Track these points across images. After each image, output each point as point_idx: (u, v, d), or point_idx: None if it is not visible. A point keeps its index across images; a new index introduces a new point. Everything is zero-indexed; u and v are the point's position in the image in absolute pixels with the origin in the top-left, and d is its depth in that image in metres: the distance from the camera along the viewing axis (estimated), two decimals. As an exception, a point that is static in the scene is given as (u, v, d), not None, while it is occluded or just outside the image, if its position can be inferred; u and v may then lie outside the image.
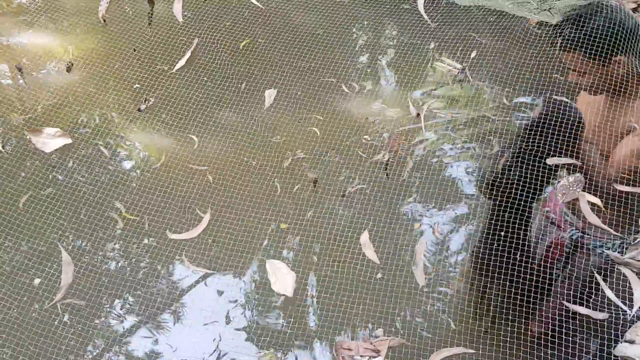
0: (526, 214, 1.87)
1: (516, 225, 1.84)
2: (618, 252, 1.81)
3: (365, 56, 3.23)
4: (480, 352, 1.71)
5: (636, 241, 1.82)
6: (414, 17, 2.91)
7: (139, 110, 2.67)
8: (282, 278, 1.97)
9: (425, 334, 1.88)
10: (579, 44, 1.95)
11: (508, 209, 1.86)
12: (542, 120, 1.89)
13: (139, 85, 2.72)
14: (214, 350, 2.06)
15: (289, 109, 2.75)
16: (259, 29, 3.05)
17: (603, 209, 1.86)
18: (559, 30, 2.02)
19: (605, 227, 1.85)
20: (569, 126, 1.88)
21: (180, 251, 2.23)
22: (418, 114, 2.58)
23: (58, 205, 2.25)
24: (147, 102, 2.66)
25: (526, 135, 1.90)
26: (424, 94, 3.05)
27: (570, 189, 1.90)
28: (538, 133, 1.89)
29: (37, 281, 2.14)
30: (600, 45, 1.93)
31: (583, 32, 1.94)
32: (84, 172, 2.49)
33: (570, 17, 2.00)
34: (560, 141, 1.88)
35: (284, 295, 1.97)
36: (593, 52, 1.94)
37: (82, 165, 2.51)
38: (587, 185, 1.91)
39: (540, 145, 1.88)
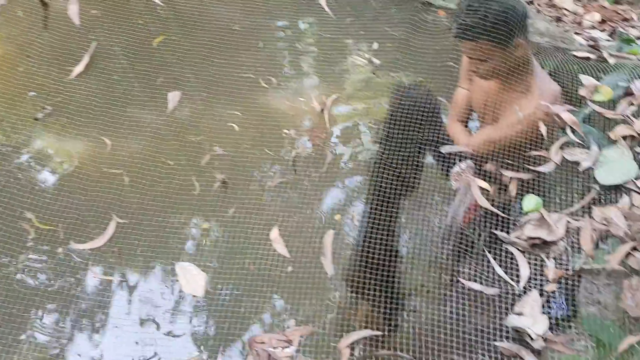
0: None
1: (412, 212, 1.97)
2: (505, 232, 1.96)
3: (283, 51, 3.26)
4: (385, 333, 1.81)
5: (520, 222, 1.97)
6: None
7: (35, 119, 2.59)
8: (192, 279, 1.99)
9: (335, 320, 1.96)
10: (478, 33, 2.03)
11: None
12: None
13: (34, 93, 2.64)
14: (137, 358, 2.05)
15: (206, 105, 2.75)
16: (170, 26, 3.02)
17: (492, 192, 2.01)
18: (456, 21, 2.08)
19: (494, 209, 1.99)
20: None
21: (92, 259, 2.20)
22: (322, 110, 2.66)
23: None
24: (44, 110, 2.59)
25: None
26: (335, 86, 3.11)
27: (462, 174, 2.03)
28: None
29: None
30: (499, 31, 2.02)
31: (480, 20, 2.02)
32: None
33: (464, 6, 2.07)
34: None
35: (195, 296, 1.99)
36: (493, 38, 2.03)
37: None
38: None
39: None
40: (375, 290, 1.88)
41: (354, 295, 1.98)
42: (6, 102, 2.64)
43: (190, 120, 2.72)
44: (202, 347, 2.03)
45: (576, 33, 3.60)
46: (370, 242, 1.95)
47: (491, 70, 2.12)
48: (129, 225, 2.26)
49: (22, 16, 2.92)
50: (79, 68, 2.73)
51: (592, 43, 3.16)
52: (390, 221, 1.99)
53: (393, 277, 1.92)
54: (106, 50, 2.83)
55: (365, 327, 1.85)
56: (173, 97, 2.66)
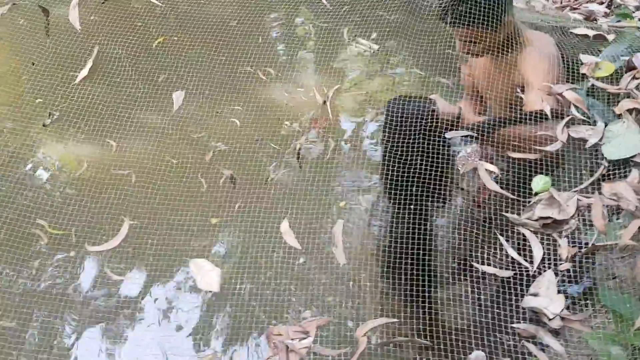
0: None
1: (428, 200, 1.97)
2: (516, 214, 1.96)
3: (280, 43, 3.27)
4: (402, 320, 1.82)
5: (530, 203, 1.97)
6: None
7: (43, 125, 2.61)
8: (207, 275, 2.01)
9: (351, 310, 1.97)
10: (467, 19, 2.13)
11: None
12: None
13: (41, 100, 2.66)
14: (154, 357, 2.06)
15: (207, 102, 2.76)
16: (170, 26, 3.02)
17: (500, 175, 2.01)
18: (444, 8, 2.19)
19: (504, 191, 1.99)
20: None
21: (106, 261, 2.22)
22: (324, 102, 2.67)
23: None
24: (51, 116, 2.61)
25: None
26: (336, 76, 3.12)
27: (469, 159, 2.04)
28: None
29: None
30: (490, 15, 2.14)
31: (471, 7, 2.13)
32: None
33: None
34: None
35: (210, 291, 2.01)
36: (484, 23, 2.13)
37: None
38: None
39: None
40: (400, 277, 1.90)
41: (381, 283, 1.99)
42: (14, 110, 2.66)
43: (193, 118, 2.73)
44: (219, 343, 2.05)
45: (573, 8, 3.58)
46: (394, 233, 1.96)
47: (483, 49, 2.23)
48: (141, 226, 2.28)
49: (24, 24, 2.93)
50: (83, 72, 2.74)
51: (589, 17, 3.15)
52: (411, 213, 1.99)
53: (415, 263, 1.92)
54: (108, 53, 2.84)
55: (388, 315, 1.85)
56: (177, 96, 2.67)
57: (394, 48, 3.11)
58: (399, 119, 2.03)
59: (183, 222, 2.32)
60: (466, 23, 2.14)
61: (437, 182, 1.96)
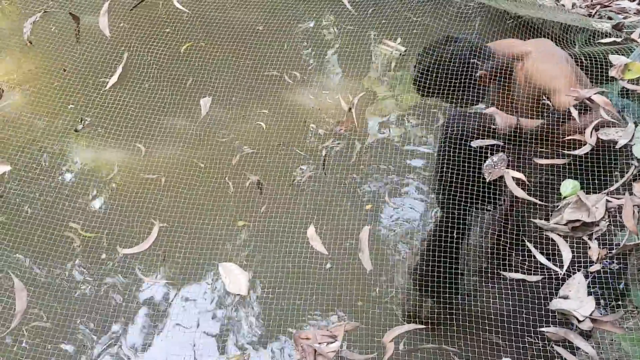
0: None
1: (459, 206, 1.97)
2: (544, 220, 1.94)
3: (306, 47, 3.29)
4: (429, 327, 1.82)
5: (558, 207, 1.95)
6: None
7: (76, 130, 2.67)
8: (236, 279, 2.03)
9: (378, 315, 1.98)
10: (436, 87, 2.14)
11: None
12: None
13: (73, 106, 2.71)
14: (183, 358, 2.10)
15: (234, 106, 2.79)
16: (197, 32, 3.07)
17: (527, 182, 1.99)
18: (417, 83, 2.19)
19: (531, 198, 1.98)
20: None
21: (136, 264, 2.26)
22: (350, 109, 2.68)
23: (3, 232, 2.25)
24: (83, 121, 2.67)
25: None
26: (361, 79, 3.12)
27: (496, 167, 2.02)
28: None
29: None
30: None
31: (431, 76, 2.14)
32: (25, 198, 2.48)
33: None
34: None
35: (239, 295, 2.03)
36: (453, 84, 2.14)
37: (23, 190, 2.49)
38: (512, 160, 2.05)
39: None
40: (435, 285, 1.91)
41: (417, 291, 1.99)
42: (47, 116, 2.72)
43: (221, 122, 2.76)
44: (246, 345, 2.07)
45: (604, 6, 3.51)
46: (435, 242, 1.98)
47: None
48: (171, 228, 2.32)
49: (55, 31, 3.00)
50: (113, 79, 2.79)
51: (621, 16, 3.08)
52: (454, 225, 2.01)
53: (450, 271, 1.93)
54: (138, 59, 2.88)
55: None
56: (205, 102, 2.70)
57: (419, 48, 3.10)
58: (459, 133, 2.03)
59: (211, 225, 2.35)
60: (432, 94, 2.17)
61: (481, 191, 1.96)
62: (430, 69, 2.12)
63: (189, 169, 2.55)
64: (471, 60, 2.15)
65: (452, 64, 2.12)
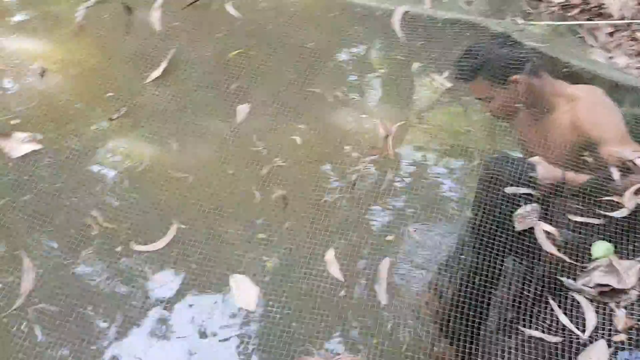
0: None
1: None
2: (571, 279, 1.87)
3: (352, 71, 3.29)
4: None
5: (587, 268, 1.88)
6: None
7: (110, 119, 2.67)
8: (245, 292, 1.99)
9: (386, 352, 1.91)
10: (475, 72, 2.24)
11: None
12: None
13: (112, 94, 2.72)
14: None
15: (271, 117, 2.77)
16: (247, 40, 3.07)
17: (558, 237, 1.93)
18: (458, 65, 2.34)
19: (560, 254, 1.91)
20: None
21: (149, 262, 2.24)
22: (387, 135, 2.63)
23: (25, 211, 2.25)
24: (119, 111, 2.67)
25: None
26: (401, 108, 3.09)
27: (527, 217, 1.97)
28: None
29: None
30: (493, 68, 2.22)
31: (475, 60, 2.24)
32: (52, 179, 2.48)
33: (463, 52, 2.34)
34: None
35: (246, 310, 1.99)
36: (489, 76, 2.22)
37: (51, 171, 2.50)
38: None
39: None
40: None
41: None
42: (85, 101, 2.74)
43: (256, 131, 2.74)
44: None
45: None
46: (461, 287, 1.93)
47: (500, 107, 2.29)
48: (189, 230, 2.29)
49: (107, 19, 3.03)
50: (156, 73, 2.80)
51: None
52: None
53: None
54: (183, 58, 2.89)
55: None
56: (242, 109, 2.68)
57: (466, 88, 3.07)
58: (496, 177, 2.01)
59: (231, 233, 2.32)
60: (472, 77, 2.25)
61: (510, 240, 1.93)
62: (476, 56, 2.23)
63: (217, 173, 2.53)
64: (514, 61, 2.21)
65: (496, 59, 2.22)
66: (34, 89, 2.75)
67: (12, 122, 2.57)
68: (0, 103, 2.70)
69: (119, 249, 2.32)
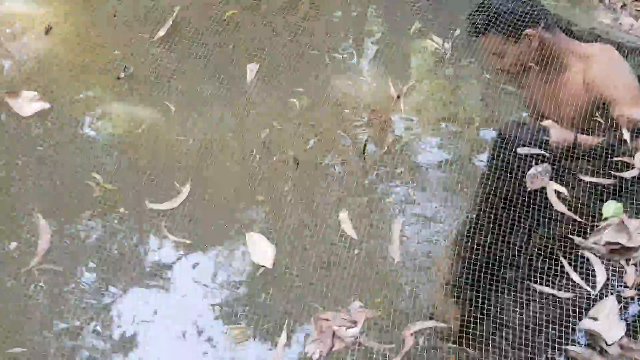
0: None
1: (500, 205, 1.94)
2: (582, 237, 1.90)
3: (352, 31, 3.25)
4: (451, 326, 1.80)
5: (599, 227, 1.91)
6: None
7: (118, 78, 2.65)
8: (261, 250, 2.01)
9: (401, 307, 1.95)
10: (487, 25, 2.23)
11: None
12: None
13: (119, 52, 2.69)
14: (192, 322, 2.08)
15: (270, 81, 2.75)
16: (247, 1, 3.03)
17: (569, 197, 1.96)
18: (470, 18, 2.30)
19: (571, 213, 1.94)
20: None
21: (159, 222, 2.25)
22: (398, 96, 2.63)
23: (34, 171, 2.24)
24: (126, 70, 2.64)
25: None
26: (407, 73, 3.07)
27: (538, 177, 1.99)
28: None
29: (13, 245, 2.12)
30: (506, 22, 2.22)
31: (487, 14, 2.23)
32: (60, 138, 2.46)
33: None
34: None
35: (263, 266, 2.01)
36: (501, 30, 2.21)
37: (59, 131, 2.48)
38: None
39: None
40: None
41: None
42: (91, 58, 2.69)
43: (258, 95, 2.73)
44: (266, 319, 2.05)
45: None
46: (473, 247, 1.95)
47: (512, 63, 2.28)
48: (200, 192, 2.29)
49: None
50: (161, 32, 2.76)
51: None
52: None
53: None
54: (187, 18, 2.85)
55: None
56: (251, 68, 2.66)
57: (466, 50, 3.05)
58: (511, 143, 2.02)
59: (235, 196, 2.32)
60: (484, 30, 2.24)
61: (521, 199, 1.96)
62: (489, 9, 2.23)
63: (222, 137, 2.52)
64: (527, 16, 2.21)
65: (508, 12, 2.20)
66: (40, 47, 2.71)
67: (19, 80, 2.53)
68: (6, 62, 2.67)
69: (122, 209, 2.31)
